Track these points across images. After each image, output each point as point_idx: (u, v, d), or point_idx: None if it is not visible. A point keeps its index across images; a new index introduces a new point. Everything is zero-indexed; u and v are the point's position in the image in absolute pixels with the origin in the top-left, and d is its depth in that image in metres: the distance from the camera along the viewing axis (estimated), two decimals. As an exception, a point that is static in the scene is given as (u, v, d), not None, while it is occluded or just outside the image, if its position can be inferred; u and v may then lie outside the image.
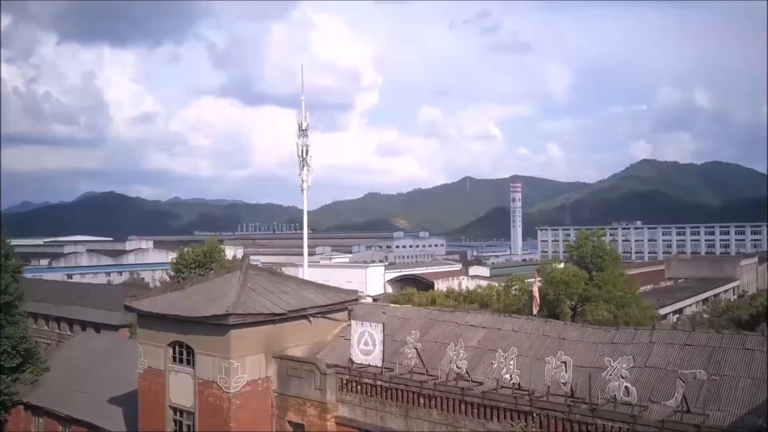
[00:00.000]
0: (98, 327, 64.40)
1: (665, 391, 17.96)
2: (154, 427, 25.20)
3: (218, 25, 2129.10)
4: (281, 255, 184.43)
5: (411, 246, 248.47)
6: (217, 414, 22.88)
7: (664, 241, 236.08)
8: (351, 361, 22.57)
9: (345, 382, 22.36)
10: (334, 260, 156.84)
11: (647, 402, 17.81)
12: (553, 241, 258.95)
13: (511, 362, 19.14)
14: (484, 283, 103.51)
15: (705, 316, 62.07)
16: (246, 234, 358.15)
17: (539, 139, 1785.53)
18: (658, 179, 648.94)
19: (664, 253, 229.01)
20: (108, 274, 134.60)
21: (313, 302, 25.55)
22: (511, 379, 19.02)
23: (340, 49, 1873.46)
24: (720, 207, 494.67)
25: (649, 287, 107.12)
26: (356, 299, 27.69)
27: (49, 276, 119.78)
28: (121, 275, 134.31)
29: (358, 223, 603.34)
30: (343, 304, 26.83)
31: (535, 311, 20.58)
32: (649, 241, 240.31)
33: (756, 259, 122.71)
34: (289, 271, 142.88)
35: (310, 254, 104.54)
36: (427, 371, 21.19)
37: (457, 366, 20.13)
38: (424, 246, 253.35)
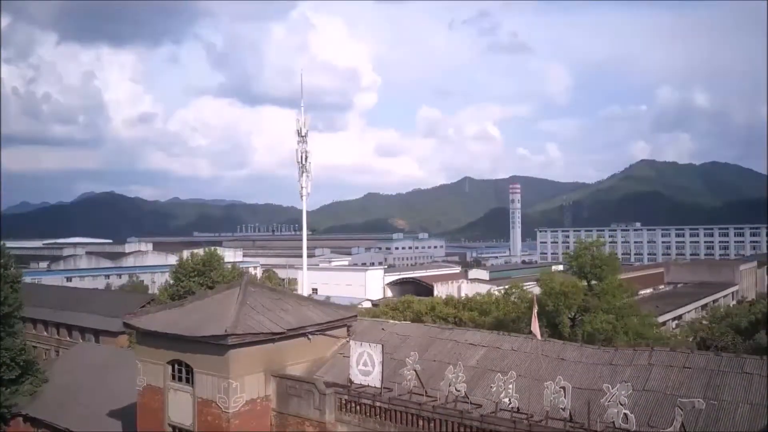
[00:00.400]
0: (97, 333, 64.46)
1: (664, 416, 17.97)
2: (154, 445, 25.19)
3: (217, 25, 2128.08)
4: (281, 257, 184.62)
5: (410, 247, 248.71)
6: (217, 433, 22.86)
7: (663, 242, 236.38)
8: (350, 381, 22.57)
9: (344, 402, 22.34)
10: (333, 263, 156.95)
11: (646, 427, 17.81)
12: (552, 242, 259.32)
13: (510, 386, 19.14)
14: (483, 287, 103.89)
15: (704, 322, 62.08)
16: (245, 235, 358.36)
17: (538, 140, 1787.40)
18: (657, 179, 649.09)
19: (663, 254, 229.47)
20: (107, 276, 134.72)
21: (312, 320, 25.54)
22: (510, 402, 19.02)
23: (339, 49, 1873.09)
24: (719, 207, 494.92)
25: (648, 291, 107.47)
26: (355, 316, 27.66)
27: (48, 279, 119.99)
28: (120, 278, 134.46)
29: (358, 223, 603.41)
30: (342, 321, 26.80)
31: (539, 336, 20.53)
32: (648, 242, 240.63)
33: (755, 263, 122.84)
34: (288, 273, 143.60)
35: (309, 256, 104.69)
36: (426, 392, 21.17)
37: (456, 389, 20.12)
38: (423, 247, 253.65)
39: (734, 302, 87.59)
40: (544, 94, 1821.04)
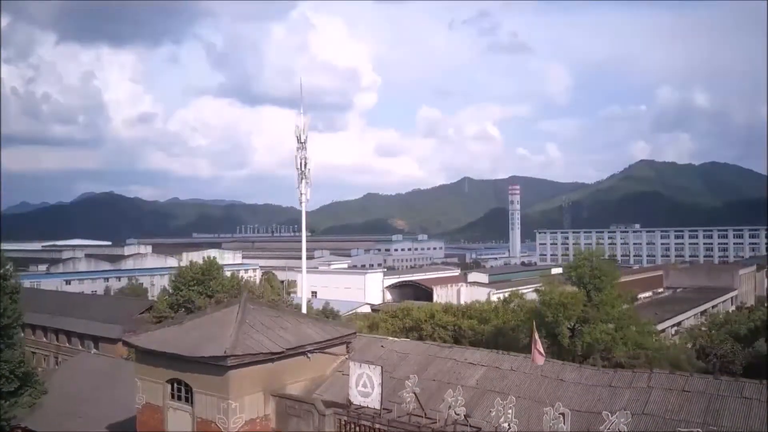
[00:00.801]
0: (97, 340, 64.56)
1: (663, 441, 17.99)
2: (153, 463, 25.14)
3: (217, 25, 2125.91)
4: (280, 258, 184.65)
5: (410, 249, 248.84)
6: (216, 453, 22.84)
7: (662, 244, 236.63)
8: (349, 401, 22.56)
9: (344, 423, 22.33)
10: (333, 265, 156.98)
11: (645, 453, 17.83)
12: (551, 244, 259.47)
13: (510, 411, 19.14)
14: (482, 291, 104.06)
15: (703, 329, 62.18)
16: (245, 236, 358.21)
17: (538, 140, 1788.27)
18: (656, 180, 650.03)
19: (662, 256, 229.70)
20: (106, 279, 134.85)
21: (311, 338, 25.53)
22: (510, 427, 19.02)
23: (339, 49, 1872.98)
24: (718, 207, 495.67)
25: (648, 294, 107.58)
26: (354, 333, 27.64)
27: (47, 282, 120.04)
28: (119, 281, 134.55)
29: (357, 223, 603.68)
30: (341, 339, 26.80)
31: (538, 362, 20.51)
32: (647, 244, 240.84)
33: (754, 267, 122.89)
34: (288, 276, 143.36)
35: (308, 257, 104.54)
36: (425, 414, 21.17)
37: (455, 412, 20.13)
38: (422, 249, 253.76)
39: (733, 308, 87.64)
40: (544, 94, 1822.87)
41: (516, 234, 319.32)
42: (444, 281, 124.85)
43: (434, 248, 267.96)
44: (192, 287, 48.20)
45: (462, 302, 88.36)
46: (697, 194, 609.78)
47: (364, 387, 22.25)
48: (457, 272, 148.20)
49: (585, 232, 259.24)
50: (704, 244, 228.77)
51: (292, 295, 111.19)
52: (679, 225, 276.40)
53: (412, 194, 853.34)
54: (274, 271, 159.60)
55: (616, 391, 20.85)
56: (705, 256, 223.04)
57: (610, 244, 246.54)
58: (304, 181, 63.53)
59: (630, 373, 21.80)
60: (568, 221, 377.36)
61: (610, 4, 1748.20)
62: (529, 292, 77.28)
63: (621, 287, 47.70)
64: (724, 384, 19.87)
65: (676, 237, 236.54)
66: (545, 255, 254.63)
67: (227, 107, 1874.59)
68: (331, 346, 26.29)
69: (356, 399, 22.41)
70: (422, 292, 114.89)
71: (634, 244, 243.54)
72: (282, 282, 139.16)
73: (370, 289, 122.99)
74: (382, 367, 22.36)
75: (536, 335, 19.97)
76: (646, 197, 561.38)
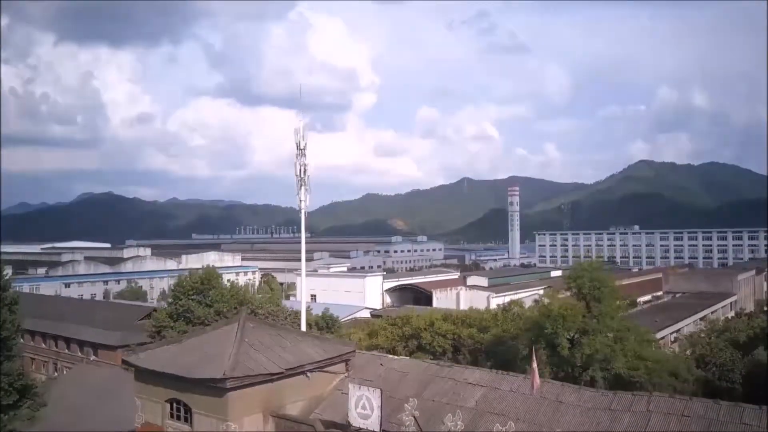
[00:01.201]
0: (96, 347, 64.46)
1: (663, 468, 17.99)
2: (152, 483, 25.13)
3: (216, 25, 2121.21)
4: (279, 260, 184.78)
5: (409, 250, 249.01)
6: (215, 474, 22.81)
7: (661, 246, 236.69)
8: (349, 423, 22.57)
9: (343, 445, 22.36)
10: (332, 268, 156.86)
11: (645, 481, 17.82)
12: (551, 245, 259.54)
13: (509, 436, 19.16)
14: (482, 294, 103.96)
15: (702, 336, 62.15)
16: (244, 237, 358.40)
17: (537, 140, 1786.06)
18: (655, 180, 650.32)
19: (661, 258, 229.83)
20: (106, 282, 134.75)
21: (311, 357, 25.52)
22: (509, 453, 19.04)
23: (338, 49, 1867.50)
24: (717, 208, 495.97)
25: (648, 297, 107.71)
26: (353, 351, 27.63)
27: (46, 285, 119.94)
28: (118, 284, 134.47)
29: (357, 224, 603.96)
30: (341, 357, 26.79)
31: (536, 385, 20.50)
32: (646, 246, 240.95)
33: (753, 271, 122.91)
34: (287, 278, 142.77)
35: (308, 259, 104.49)
36: (424, 437, 21.19)
37: (454, 437, 20.14)
38: (422, 250, 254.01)
39: (732, 313, 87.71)
40: (543, 95, 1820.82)
41: (515, 235, 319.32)
42: (443, 284, 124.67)
43: (434, 249, 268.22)
44: (191, 297, 48.18)
45: (461, 307, 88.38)
46: (696, 194, 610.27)
47: (363, 409, 22.25)
48: (456, 275, 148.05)
49: (584, 234, 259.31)
50: (703, 246, 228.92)
51: (291, 298, 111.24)
52: (679, 225, 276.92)
53: (411, 194, 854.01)
54: (273, 274, 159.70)
55: (616, 414, 20.83)
56: (704, 258, 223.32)
57: (609, 245, 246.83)
58: (303, 187, 63.60)
59: (630, 396, 21.78)
60: (567, 223, 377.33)
61: (610, 4, 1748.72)
62: (528, 297, 77.66)
63: (621, 291, 47.67)
64: (724, 408, 19.85)
65: (676, 239, 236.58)
66: (544, 257, 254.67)
67: (226, 107, 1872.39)
68: (330, 365, 26.29)
69: (356, 421, 22.41)
70: (422, 295, 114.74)
71: (634, 245, 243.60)
72: (282, 284, 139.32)
73: (369, 293, 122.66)
74: (381, 390, 22.34)
75: (534, 364, 19.96)
76: (646, 197, 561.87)
